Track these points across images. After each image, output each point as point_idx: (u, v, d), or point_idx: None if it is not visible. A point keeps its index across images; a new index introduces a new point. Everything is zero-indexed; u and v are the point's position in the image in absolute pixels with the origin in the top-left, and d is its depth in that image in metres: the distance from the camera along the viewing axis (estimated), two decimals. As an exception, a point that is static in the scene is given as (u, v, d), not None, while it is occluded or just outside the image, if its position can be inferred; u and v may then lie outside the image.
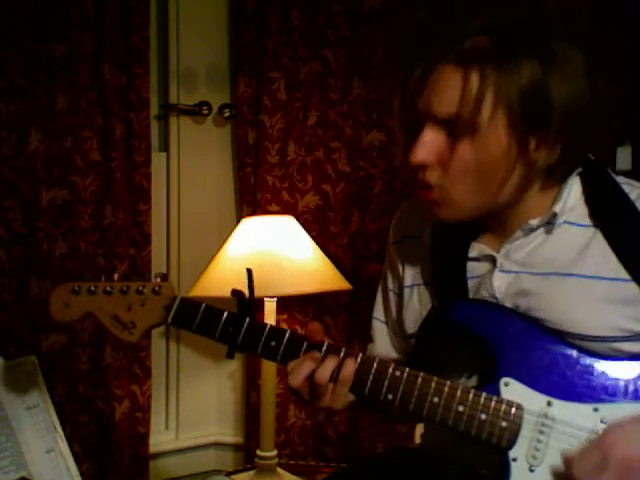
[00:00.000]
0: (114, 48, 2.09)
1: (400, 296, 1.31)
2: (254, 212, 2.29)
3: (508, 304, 1.15)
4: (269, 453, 2.15)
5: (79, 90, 2.07)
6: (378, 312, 1.38)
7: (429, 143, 1.10)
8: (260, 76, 2.29)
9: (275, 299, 2.10)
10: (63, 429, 1.53)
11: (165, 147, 2.37)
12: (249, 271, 1.24)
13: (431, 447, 1.30)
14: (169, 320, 1.21)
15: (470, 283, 1.20)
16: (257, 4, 2.27)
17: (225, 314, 1.19)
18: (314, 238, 2.17)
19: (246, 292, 1.22)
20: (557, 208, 1.14)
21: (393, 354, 1.35)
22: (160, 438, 2.36)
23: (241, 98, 2.31)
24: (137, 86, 2.14)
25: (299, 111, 2.32)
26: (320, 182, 2.33)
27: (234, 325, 1.18)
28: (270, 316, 2.11)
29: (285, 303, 2.26)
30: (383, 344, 1.37)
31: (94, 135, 2.10)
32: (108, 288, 1.23)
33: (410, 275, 1.28)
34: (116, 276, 1.25)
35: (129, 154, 2.15)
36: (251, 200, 2.33)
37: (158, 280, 1.23)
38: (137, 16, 2.12)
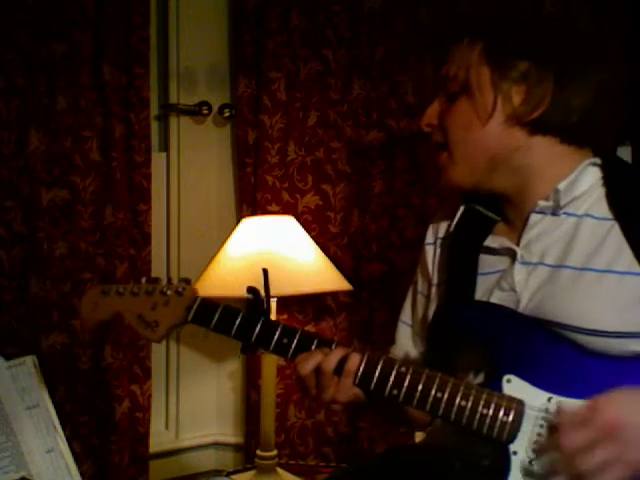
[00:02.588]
0: (114, 48, 2.09)
1: (428, 297, 1.34)
2: (254, 212, 2.29)
3: (526, 296, 1.18)
4: (269, 453, 2.15)
5: (79, 90, 2.07)
6: (405, 315, 1.42)
7: (433, 108, 1.26)
8: (260, 76, 2.29)
9: (275, 299, 2.10)
10: (63, 429, 1.52)
11: (165, 147, 2.37)
12: (265, 271, 1.30)
13: (432, 443, 1.31)
14: (189, 318, 1.27)
15: (491, 278, 1.23)
16: (257, 4, 2.27)
17: (241, 314, 1.24)
18: (314, 238, 2.17)
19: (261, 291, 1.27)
20: (561, 186, 1.18)
21: (413, 355, 1.38)
22: (160, 438, 2.36)
23: (241, 98, 2.31)
24: (137, 86, 2.14)
25: (299, 111, 2.32)
26: (320, 182, 2.33)
27: (249, 324, 1.24)
28: (270, 316, 2.11)
29: (285, 303, 2.26)
30: (404, 345, 1.40)
31: (94, 135, 2.10)
32: (135, 289, 1.30)
33: (437, 274, 1.32)
34: (144, 279, 1.32)
35: (129, 154, 2.15)
36: (251, 200, 2.32)
37: (182, 283, 1.30)
38: (137, 16, 2.12)
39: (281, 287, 1.99)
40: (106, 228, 2.12)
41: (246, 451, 2.40)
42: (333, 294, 2.27)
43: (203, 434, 2.45)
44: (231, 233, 2.13)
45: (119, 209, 2.13)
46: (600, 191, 1.19)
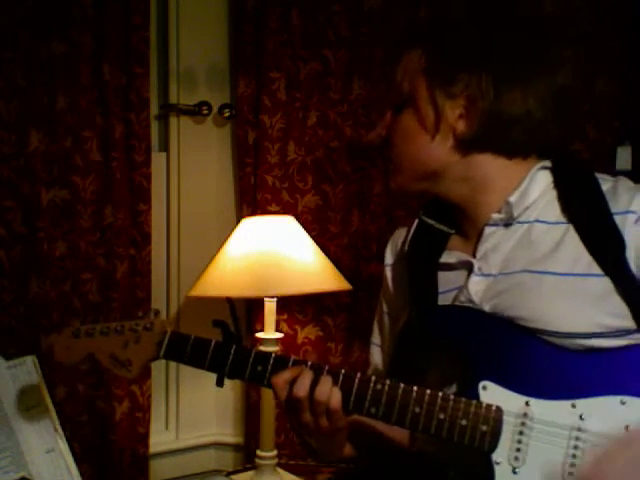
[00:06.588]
0: (114, 48, 2.09)
1: (395, 317, 1.33)
2: (254, 212, 2.29)
3: (486, 306, 1.16)
4: (269, 453, 2.15)
5: (79, 90, 2.07)
6: (374, 336, 1.41)
7: (384, 120, 1.27)
8: (260, 76, 2.29)
9: (275, 299, 2.10)
10: (63, 429, 1.52)
11: (165, 147, 2.37)
12: (230, 301, 1.27)
13: (426, 451, 1.31)
14: (161, 354, 1.25)
15: (450, 295, 1.21)
16: (257, 4, 2.27)
17: (212, 344, 1.22)
18: (314, 238, 2.17)
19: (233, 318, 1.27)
20: (512, 198, 1.17)
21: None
22: (160, 438, 2.36)
23: (241, 98, 2.30)
24: (137, 86, 2.14)
25: (299, 111, 2.32)
26: (320, 182, 2.33)
27: (221, 354, 1.21)
28: (270, 316, 2.11)
29: (285, 303, 2.26)
30: (378, 366, 1.39)
31: (94, 135, 2.10)
32: (104, 329, 1.28)
33: (402, 295, 1.30)
34: (113, 320, 1.30)
35: (129, 154, 2.15)
36: (251, 200, 2.32)
37: (152, 316, 1.28)
38: (137, 16, 2.12)
39: (281, 287, 1.99)
40: (106, 228, 2.12)
41: (246, 451, 2.40)
42: (333, 294, 2.26)
43: (203, 434, 2.45)
44: (231, 233, 2.13)
45: (119, 209, 2.13)
46: (551, 195, 1.19)
